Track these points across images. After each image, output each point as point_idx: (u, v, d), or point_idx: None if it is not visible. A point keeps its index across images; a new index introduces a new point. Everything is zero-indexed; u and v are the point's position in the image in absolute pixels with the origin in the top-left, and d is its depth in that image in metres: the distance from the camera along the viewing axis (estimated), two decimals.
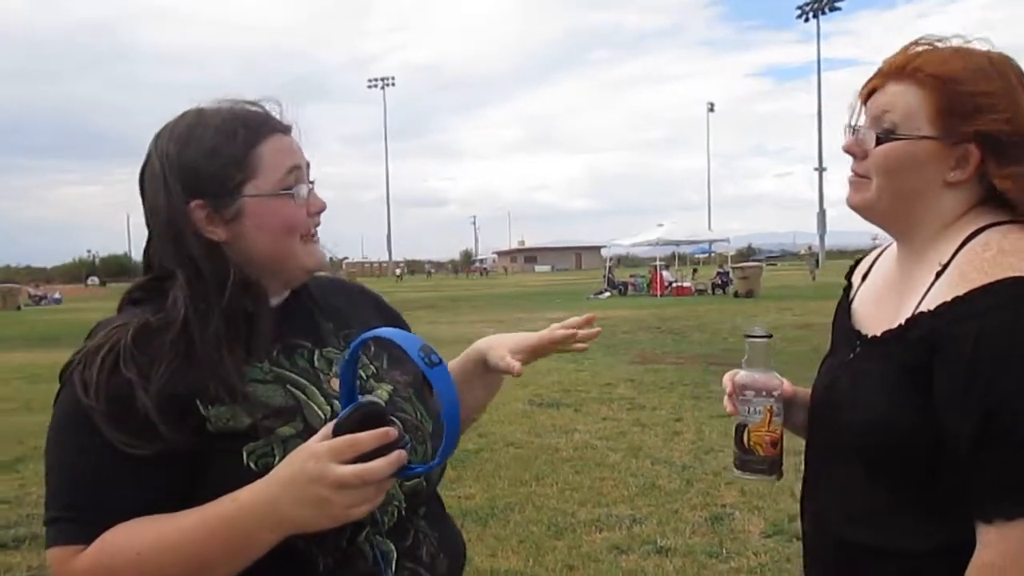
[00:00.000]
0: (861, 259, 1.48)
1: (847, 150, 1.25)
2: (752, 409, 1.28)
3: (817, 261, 44.62)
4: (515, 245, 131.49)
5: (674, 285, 29.86)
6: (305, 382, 1.19)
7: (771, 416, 1.27)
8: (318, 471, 0.98)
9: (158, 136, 1.21)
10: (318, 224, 1.25)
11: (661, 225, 33.33)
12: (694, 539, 4.37)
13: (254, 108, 1.23)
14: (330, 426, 1.02)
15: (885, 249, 1.40)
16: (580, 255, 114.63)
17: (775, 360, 1.31)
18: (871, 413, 1.15)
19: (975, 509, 1.05)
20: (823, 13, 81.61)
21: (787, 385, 1.33)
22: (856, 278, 1.43)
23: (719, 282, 29.32)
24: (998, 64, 1.17)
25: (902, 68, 1.19)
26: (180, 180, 1.16)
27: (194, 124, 1.19)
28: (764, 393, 1.28)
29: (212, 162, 1.16)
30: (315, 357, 1.23)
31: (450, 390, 0.99)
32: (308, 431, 1.09)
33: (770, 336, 1.31)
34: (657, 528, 4.54)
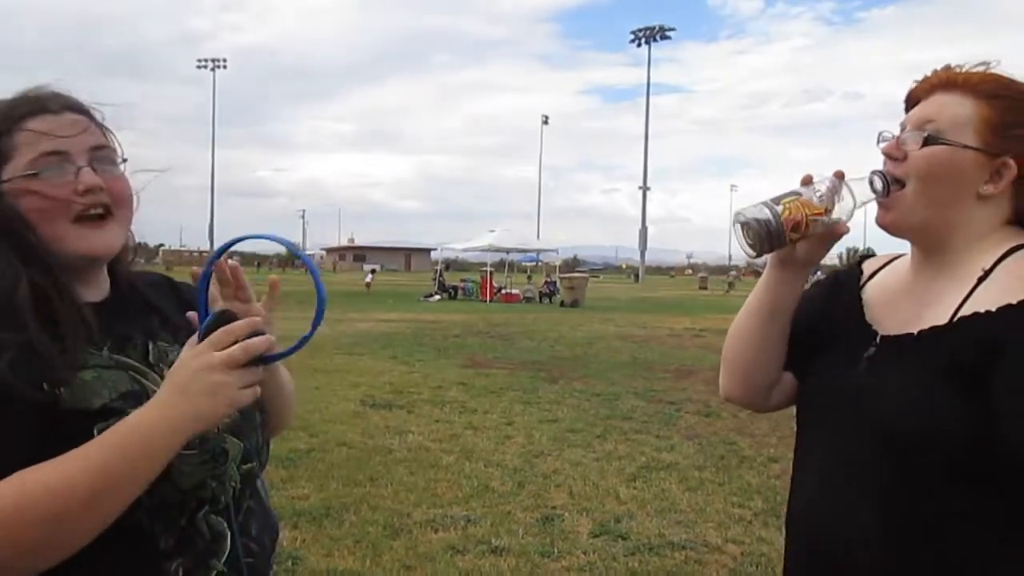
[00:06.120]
0: (869, 254, 1.48)
1: (887, 152, 1.24)
2: (820, 194, 1.22)
3: (637, 276, 46.56)
4: (345, 242, 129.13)
5: (503, 291, 30.43)
6: (146, 369, 1.20)
7: (812, 217, 1.21)
8: (206, 360, 1.07)
9: None
10: (100, 203, 1.19)
11: (492, 231, 33.84)
12: (527, 539, 4.52)
13: (15, 95, 1.20)
14: (195, 337, 1.12)
15: (894, 259, 1.41)
16: (410, 256, 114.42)
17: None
18: (907, 394, 1.14)
19: None
20: (655, 40, 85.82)
21: (844, 226, 1.25)
22: (867, 268, 1.42)
23: (546, 291, 30.19)
24: None
25: (952, 80, 1.22)
26: None
27: None
28: (833, 198, 1.22)
29: None
30: (148, 350, 1.24)
31: (317, 270, 1.18)
32: None
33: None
34: (491, 529, 4.66)
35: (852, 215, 1.25)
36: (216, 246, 1.29)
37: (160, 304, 1.34)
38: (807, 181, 1.24)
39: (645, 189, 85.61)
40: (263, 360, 1.13)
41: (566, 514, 4.94)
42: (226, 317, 1.13)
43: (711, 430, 7.35)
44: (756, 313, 1.38)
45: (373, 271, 37.10)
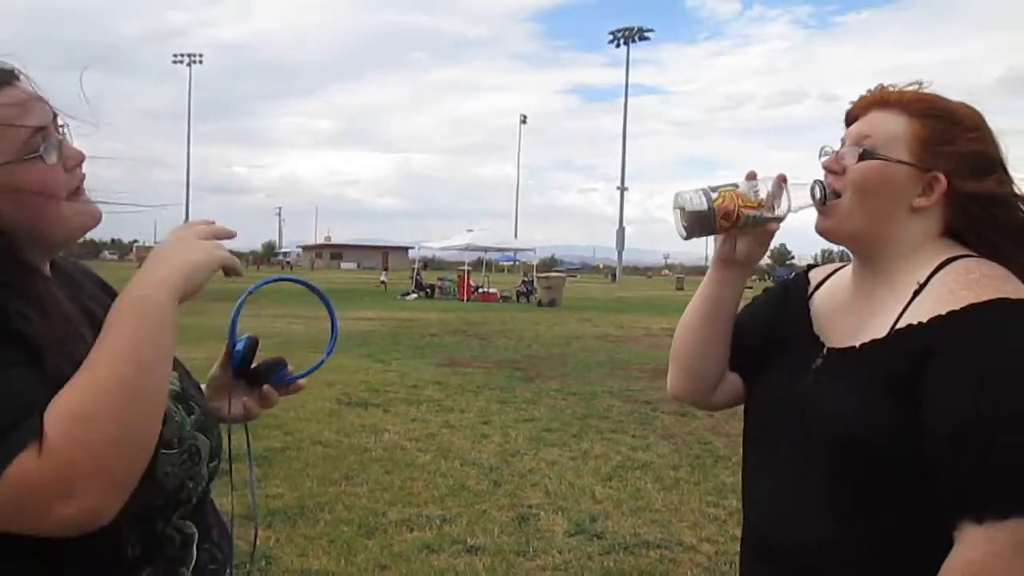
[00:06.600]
0: (817, 264, 1.52)
1: (826, 166, 1.30)
2: (756, 190, 1.27)
3: (614, 275, 46.88)
4: (321, 240, 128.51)
5: (480, 291, 30.42)
6: None
7: (744, 208, 1.26)
8: (180, 231, 1.16)
9: None
10: (82, 177, 1.13)
11: (471, 230, 33.81)
12: (502, 538, 4.52)
13: None
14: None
15: (837, 270, 1.45)
16: (387, 254, 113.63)
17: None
18: (851, 406, 1.18)
19: (962, 508, 1.08)
20: (633, 41, 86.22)
21: (775, 224, 1.31)
22: (813, 278, 1.46)
23: (523, 290, 30.19)
24: (971, 108, 1.28)
25: (886, 98, 1.28)
26: None
27: None
28: (770, 199, 1.27)
29: None
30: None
31: (329, 301, 1.44)
32: None
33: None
34: (466, 528, 4.66)
35: (785, 216, 1.30)
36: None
37: (97, 291, 1.28)
38: (751, 177, 1.30)
39: (623, 189, 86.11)
40: (280, 381, 1.29)
41: (542, 513, 4.95)
42: (256, 342, 1.32)
43: (686, 430, 7.38)
44: (700, 312, 1.43)
45: (386, 271, 41.04)
